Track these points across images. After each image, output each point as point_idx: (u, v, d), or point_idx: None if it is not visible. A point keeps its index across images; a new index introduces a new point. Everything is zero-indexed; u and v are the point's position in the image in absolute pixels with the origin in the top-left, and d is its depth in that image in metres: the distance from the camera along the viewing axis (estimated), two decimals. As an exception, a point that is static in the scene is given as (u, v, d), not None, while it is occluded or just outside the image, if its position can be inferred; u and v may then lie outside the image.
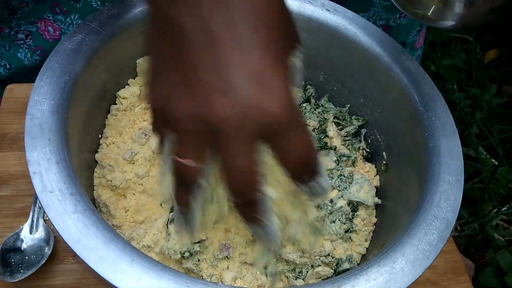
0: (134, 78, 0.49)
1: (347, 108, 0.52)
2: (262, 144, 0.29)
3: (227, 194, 0.31)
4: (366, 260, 0.43)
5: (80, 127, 0.41)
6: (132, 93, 0.47)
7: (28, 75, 0.64)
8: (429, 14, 0.33)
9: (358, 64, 0.49)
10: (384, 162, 0.48)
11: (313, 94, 0.53)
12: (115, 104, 0.47)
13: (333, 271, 0.43)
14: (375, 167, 0.50)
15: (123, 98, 0.47)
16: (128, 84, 0.48)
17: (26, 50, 0.62)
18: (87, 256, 0.31)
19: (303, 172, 0.31)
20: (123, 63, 0.46)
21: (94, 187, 0.44)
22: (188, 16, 0.28)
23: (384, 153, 0.48)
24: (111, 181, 0.43)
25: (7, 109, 0.55)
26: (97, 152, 0.45)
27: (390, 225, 0.43)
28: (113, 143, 0.46)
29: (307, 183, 0.31)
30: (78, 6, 0.58)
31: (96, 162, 0.45)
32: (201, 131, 0.28)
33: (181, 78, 0.29)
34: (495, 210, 0.96)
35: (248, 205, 0.31)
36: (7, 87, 0.57)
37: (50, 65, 0.39)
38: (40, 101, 0.37)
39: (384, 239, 0.42)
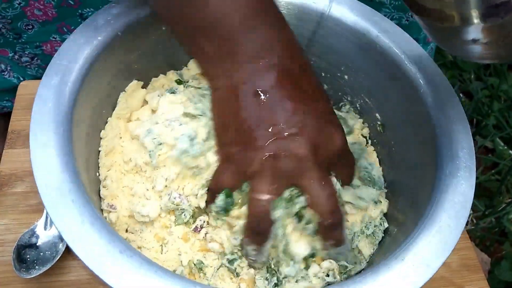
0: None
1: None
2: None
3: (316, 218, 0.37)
4: (392, 219, 0.45)
5: (85, 170, 0.39)
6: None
7: None
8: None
9: (331, 32, 0.49)
10: (379, 122, 0.49)
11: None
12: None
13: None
14: (368, 127, 0.51)
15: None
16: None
17: (36, 68, 0.61)
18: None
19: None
20: (107, 91, 0.44)
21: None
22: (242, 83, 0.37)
23: (377, 114, 0.50)
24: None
25: (21, 105, 0.55)
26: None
27: (405, 183, 0.45)
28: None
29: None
30: None
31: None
32: (281, 169, 0.34)
33: (241, 133, 0.36)
34: (513, 203, 0.93)
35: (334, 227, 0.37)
36: (21, 83, 0.57)
37: (38, 119, 0.35)
38: (44, 163, 0.33)
39: (407, 198, 0.44)
